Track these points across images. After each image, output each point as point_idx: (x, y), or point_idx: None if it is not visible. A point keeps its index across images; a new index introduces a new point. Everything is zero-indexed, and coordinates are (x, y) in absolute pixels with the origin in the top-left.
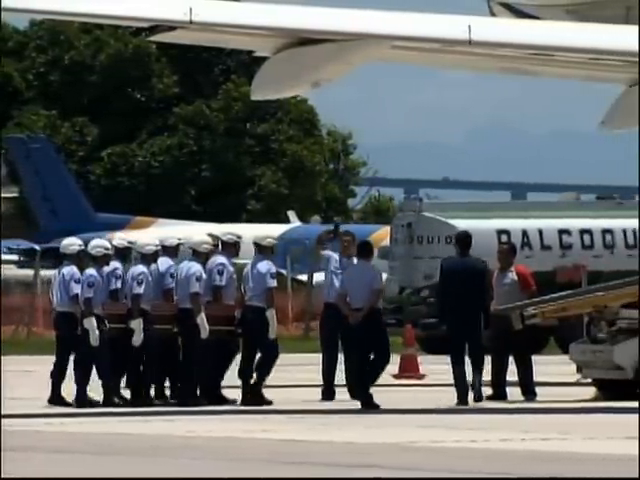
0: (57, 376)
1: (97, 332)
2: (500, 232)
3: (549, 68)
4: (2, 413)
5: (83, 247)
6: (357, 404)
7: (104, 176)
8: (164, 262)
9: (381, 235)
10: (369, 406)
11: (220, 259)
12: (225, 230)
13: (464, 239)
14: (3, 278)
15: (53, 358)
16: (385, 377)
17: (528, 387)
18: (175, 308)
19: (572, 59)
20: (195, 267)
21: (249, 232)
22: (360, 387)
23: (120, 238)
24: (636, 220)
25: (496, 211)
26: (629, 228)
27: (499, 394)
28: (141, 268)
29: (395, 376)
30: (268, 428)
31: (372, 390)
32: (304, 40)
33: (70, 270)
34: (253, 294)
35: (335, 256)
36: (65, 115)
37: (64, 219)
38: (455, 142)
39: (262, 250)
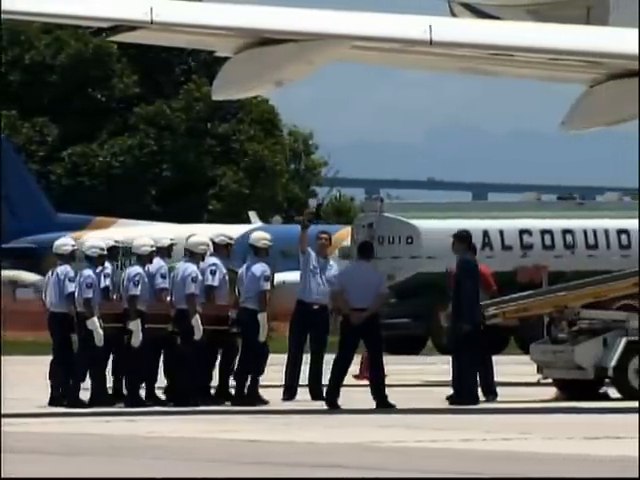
0: (55, 377)
1: (101, 332)
2: None
3: (509, 68)
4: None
5: (76, 247)
6: (318, 404)
7: (65, 176)
8: (155, 262)
9: (342, 235)
10: (385, 405)
11: (212, 260)
12: (218, 232)
13: (470, 237)
14: None
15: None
16: (347, 377)
17: (489, 387)
18: (169, 308)
19: (532, 59)
20: (191, 268)
21: (209, 232)
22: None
23: (108, 238)
24: (596, 220)
25: (457, 211)
26: (589, 228)
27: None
28: (137, 269)
29: (356, 376)
30: (229, 428)
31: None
32: (265, 40)
33: (64, 269)
34: (247, 296)
35: (314, 255)
36: (25, 115)
37: (24, 219)
38: (415, 142)
39: (257, 252)
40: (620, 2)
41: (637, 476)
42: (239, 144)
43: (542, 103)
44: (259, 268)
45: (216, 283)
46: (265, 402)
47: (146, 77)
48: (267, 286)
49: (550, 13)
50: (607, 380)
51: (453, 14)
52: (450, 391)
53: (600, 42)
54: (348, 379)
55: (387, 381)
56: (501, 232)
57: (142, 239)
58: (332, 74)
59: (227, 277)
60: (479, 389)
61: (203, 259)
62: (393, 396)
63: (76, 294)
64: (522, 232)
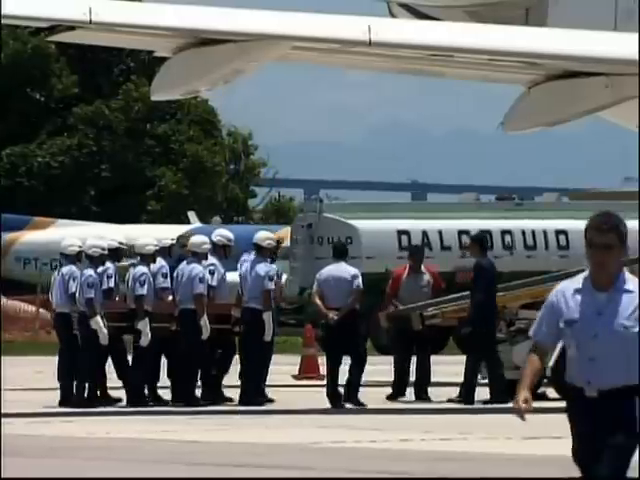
0: (65, 377)
1: (105, 331)
2: (400, 233)
3: (449, 69)
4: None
5: (82, 248)
6: (259, 405)
7: (3, 176)
8: (157, 262)
9: (281, 236)
10: (359, 404)
11: (211, 260)
12: (216, 232)
13: (485, 240)
14: None
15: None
16: (285, 377)
17: (424, 389)
18: (171, 307)
19: (471, 60)
20: (197, 268)
21: (149, 232)
22: (350, 392)
23: (111, 239)
24: (535, 221)
25: (396, 212)
26: (528, 229)
27: (401, 393)
28: (142, 269)
29: (295, 376)
30: (169, 429)
31: (271, 390)
32: (204, 40)
33: (69, 270)
34: (251, 296)
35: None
36: None
37: None
38: (355, 142)
39: (261, 252)
40: (558, 3)
41: (637, 476)
42: (178, 145)
43: (481, 104)
44: (263, 268)
45: (215, 283)
46: (271, 400)
47: (85, 77)
48: (271, 285)
49: (489, 14)
50: (545, 380)
51: (392, 15)
52: (389, 391)
53: (538, 43)
54: (287, 379)
55: (323, 381)
56: (440, 232)
57: (145, 239)
58: (271, 74)
59: (225, 276)
60: (413, 390)
61: (206, 258)
62: None
63: (77, 294)
64: (461, 233)
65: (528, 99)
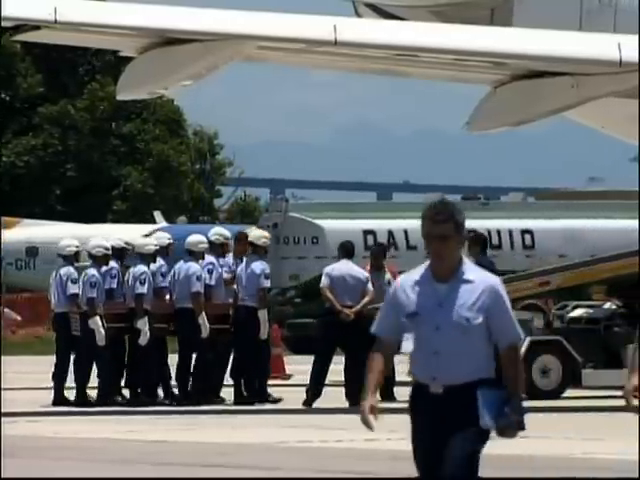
0: (59, 378)
1: (103, 331)
2: (366, 232)
3: (414, 69)
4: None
5: (80, 248)
6: (228, 404)
7: None
8: (156, 261)
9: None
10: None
11: (209, 259)
12: (214, 231)
13: (485, 240)
14: None
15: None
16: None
17: (390, 388)
18: (170, 306)
19: (437, 60)
20: (194, 267)
21: (114, 232)
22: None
23: (117, 238)
24: (500, 221)
25: (362, 211)
26: (493, 229)
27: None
28: (142, 268)
29: None
30: (135, 429)
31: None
32: (170, 40)
33: (67, 270)
34: (246, 294)
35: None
36: None
37: None
38: (321, 142)
39: (256, 250)
40: (523, 3)
41: (637, 476)
42: (144, 144)
43: (448, 104)
44: (258, 266)
45: (213, 282)
46: (278, 400)
47: (50, 77)
48: (267, 283)
49: (454, 14)
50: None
51: (358, 15)
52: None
53: (504, 43)
54: None
55: (292, 381)
56: (406, 232)
57: (142, 239)
58: (237, 74)
59: (223, 276)
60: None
61: (203, 257)
62: (299, 396)
63: (80, 293)
64: None
65: (493, 99)
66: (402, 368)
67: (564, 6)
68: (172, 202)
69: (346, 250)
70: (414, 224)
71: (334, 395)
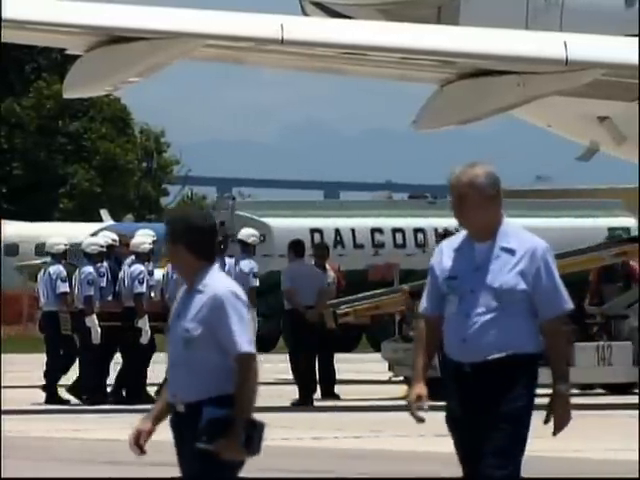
0: (52, 377)
1: (98, 329)
2: (313, 231)
3: (362, 67)
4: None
5: (68, 246)
6: None
7: None
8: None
9: None
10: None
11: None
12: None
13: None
14: None
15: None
16: None
17: (331, 388)
18: (159, 306)
19: (384, 59)
20: (140, 268)
21: (61, 230)
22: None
23: (105, 235)
24: (447, 219)
25: (309, 210)
26: (440, 227)
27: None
28: (140, 267)
29: None
30: (80, 427)
31: None
32: (117, 38)
33: (56, 269)
34: None
35: None
36: None
37: None
38: (269, 141)
39: (245, 248)
40: (470, 2)
41: (637, 476)
42: (90, 142)
43: (395, 102)
44: (247, 265)
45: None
46: None
47: None
48: (256, 282)
49: (401, 12)
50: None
51: (305, 13)
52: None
53: (450, 42)
54: None
55: None
56: (353, 231)
57: (139, 237)
58: (185, 72)
59: None
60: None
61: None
62: None
63: (76, 291)
64: (374, 231)
65: (440, 97)
66: (374, 368)
67: (510, 5)
68: (119, 200)
69: (299, 248)
70: (361, 222)
71: (277, 393)
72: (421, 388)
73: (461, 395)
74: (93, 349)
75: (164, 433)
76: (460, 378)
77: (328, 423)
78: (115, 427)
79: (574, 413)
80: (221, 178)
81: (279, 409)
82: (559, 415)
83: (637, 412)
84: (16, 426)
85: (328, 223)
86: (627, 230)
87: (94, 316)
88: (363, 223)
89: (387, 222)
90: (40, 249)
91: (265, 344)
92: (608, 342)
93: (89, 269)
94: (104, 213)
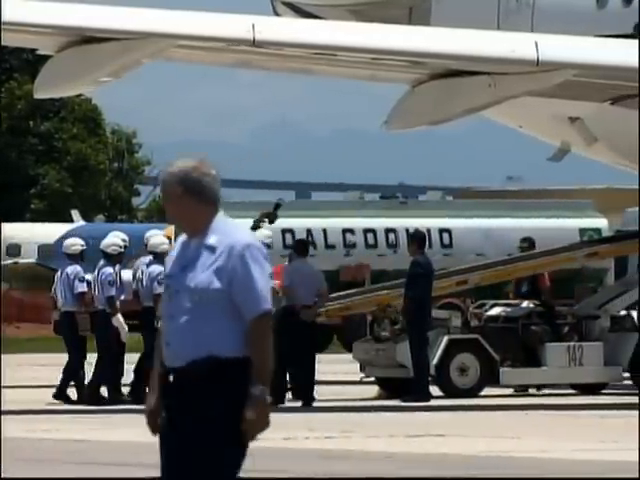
0: (69, 375)
1: (126, 328)
2: (285, 231)
3: (333, 68)
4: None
5: (85, 247)
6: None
7: None
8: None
9: (166, 234)
10: (311, 401)
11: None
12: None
13: (423, 238)
14: None
15: None
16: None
17: (309, 391)
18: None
19: (355, 59)
20: (158, 269)
21: (31, 231)
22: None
23: (115, 235)
24: (419, 220)
25: (281, 210)
26: (412, 227)
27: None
28: (159, 268)
29: None
30: (50, 427)
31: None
32: (88, 38)
33: (74, 269)
34: None
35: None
36: None
37: None
38: (240, 141)
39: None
40: (441, 2)
41: (637, 476)
42: (61, 143)
43: (366, 103)
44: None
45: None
46: None
47: None
48: None
49: (372, 13)
50: (430, 378)
51: (277, 14)
52: None
53: (421, 42)
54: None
55: None
56: (324, 231)
57: (157, 238)
58: (156, 73)
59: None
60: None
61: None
62: None
63: (96, 292)
64: (345, 231)
65: (411, 98)
66: (345, 369)
67: (482, 5)
68: (90, 201)
69: (302, 247)
70: (333, 223)
71: None
72: (154, 398)
73: (167, 402)
74: (113, 350)
75: None
76: (167, 384)
77: (299, 423)
78: (84, 428)
79: (492, 412)
80: None
81: None
82: (251, 420)
83: (606, 412)
84: (16, 426)
85: (300, 223)
86: (598, 231)
87: (119, 315)
88: (335, 223)
89: (359, 222)
90: (11, 250)
91: None
92: (579, 342)
93: (109, 270)
94: (75, 214)
